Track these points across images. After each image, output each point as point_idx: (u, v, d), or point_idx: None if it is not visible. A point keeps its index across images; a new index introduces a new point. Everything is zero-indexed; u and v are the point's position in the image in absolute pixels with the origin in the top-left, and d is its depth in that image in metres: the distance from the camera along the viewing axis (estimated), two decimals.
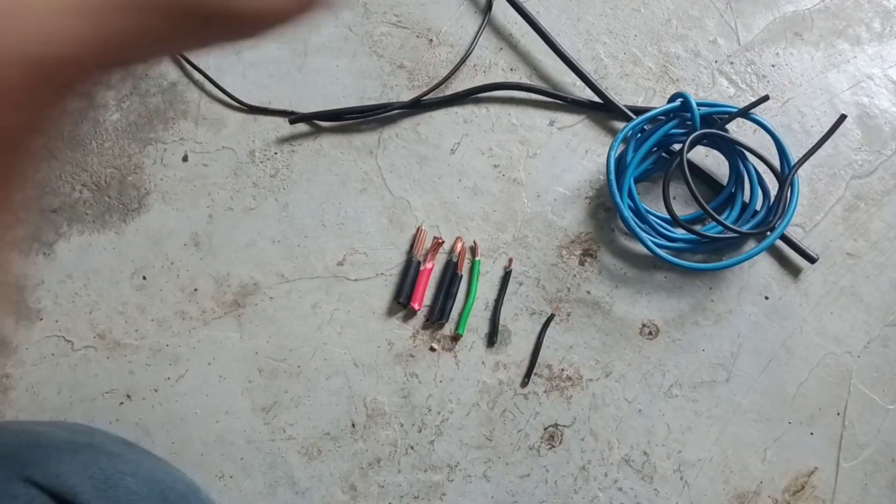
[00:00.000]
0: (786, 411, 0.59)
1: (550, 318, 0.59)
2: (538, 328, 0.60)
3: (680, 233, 0.61)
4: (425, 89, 0.64)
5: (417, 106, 0.64)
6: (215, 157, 0.63)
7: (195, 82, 0.65)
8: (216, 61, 0.65)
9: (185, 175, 0.62)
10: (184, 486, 0.40)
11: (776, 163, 0.61)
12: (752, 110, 0.60)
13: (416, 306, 0.59)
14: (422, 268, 0.60)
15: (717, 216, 0.58)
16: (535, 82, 0.66)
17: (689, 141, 0.59)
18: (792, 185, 0.59)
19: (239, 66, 0.65)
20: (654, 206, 0.62)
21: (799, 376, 0.60)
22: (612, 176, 0.60)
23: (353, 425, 0.58)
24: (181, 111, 0.64)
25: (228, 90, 0.64)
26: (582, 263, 0.62)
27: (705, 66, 0.67)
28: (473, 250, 0.61)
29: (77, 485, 0.32)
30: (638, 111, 0.63)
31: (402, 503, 0.57)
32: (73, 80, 0.21)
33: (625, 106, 0.64)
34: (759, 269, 0.62)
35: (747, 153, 0.61)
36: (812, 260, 0.61)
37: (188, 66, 0.65)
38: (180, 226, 0.61)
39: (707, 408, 0.59)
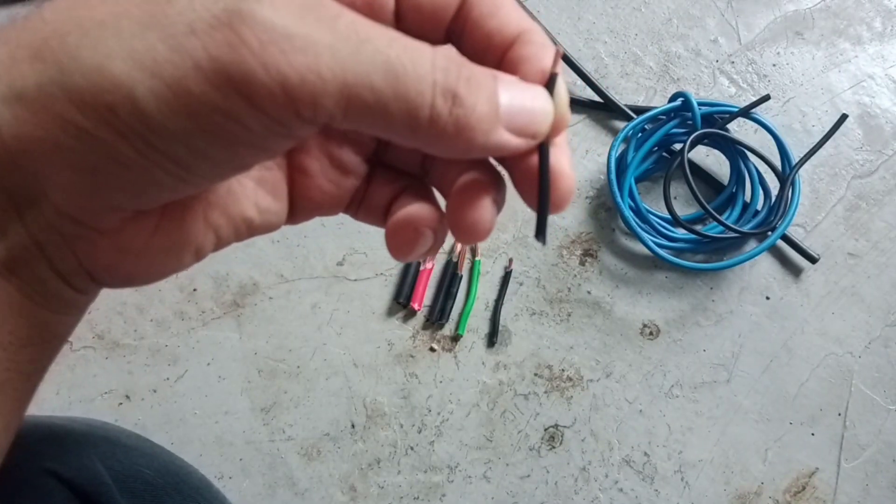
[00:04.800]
0: (787, 412, 0.59)
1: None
2: (539, 328, 0.60)
3: (681, 233, 0.61)
4: None
5: None
6: None
7: None
8: None
9: None
10: (196, 479, 0.40)
11: (777, 162, 0.61)
12: (753, 110, 0.59)
13: (415, 306, 0.59)
14: (422, 268, 0.60)
15: (717, 216, 0.58)
16: None
17: (689, 140, 0.58)
18: (793, 184, 0.59)
19: None
20: (655, 206, 0.62)
21: (800, 377, 0.60)
22: (613, 175, 0.59)
23: (353, 426, 0.58)
24: None
25: None
26: (582, 263, 0.62)
27: (706, 65, 0.67)
28: (473, 250, 0.61)
29: (98, 476, 0.32)
30: (639, 110, 0.63)
31: None
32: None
33: (625, 105, 0.64)
34: (760, 269, 0.62)
35: (748, 153, 0.61)
36: (813, 260, 0.61)
37: None
38: None
39: (708, 408, 0.59)
